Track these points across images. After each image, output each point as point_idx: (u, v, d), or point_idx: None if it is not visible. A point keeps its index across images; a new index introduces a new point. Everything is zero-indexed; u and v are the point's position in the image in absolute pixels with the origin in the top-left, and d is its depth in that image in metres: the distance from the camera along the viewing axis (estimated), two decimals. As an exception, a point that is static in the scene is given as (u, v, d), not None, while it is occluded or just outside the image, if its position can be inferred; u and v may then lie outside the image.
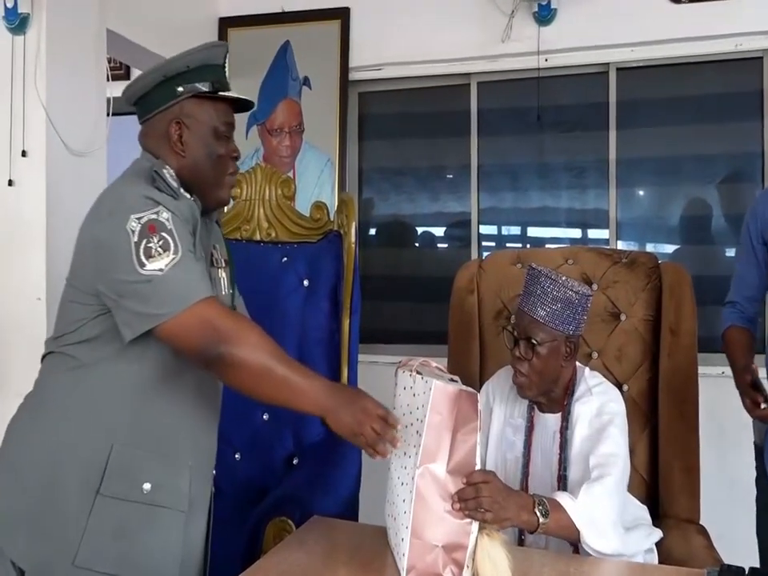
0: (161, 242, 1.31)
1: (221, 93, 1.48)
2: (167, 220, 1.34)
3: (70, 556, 1.35)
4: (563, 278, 1.67)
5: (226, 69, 1.53)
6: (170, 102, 1.46)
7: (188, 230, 1.38)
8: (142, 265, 1.30)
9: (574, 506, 1.48)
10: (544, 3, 3.21)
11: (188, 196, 1.45)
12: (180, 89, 1.46)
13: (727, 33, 3.07)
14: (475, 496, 1.36)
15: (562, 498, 1.49)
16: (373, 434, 1.32)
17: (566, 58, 3.30)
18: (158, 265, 1.30)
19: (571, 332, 1.69)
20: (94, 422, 1.40)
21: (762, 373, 1.81)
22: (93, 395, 1.41)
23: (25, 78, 2.51)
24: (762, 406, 1.70)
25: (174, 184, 1.42)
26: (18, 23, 2.50)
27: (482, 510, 1.36)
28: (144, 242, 1.31)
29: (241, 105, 1.56)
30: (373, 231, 3.78)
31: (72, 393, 1.42)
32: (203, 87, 1.46)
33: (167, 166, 1.45)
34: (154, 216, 1.33)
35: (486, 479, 1.38)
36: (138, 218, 1.32)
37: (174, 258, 1.31)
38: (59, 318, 1.49)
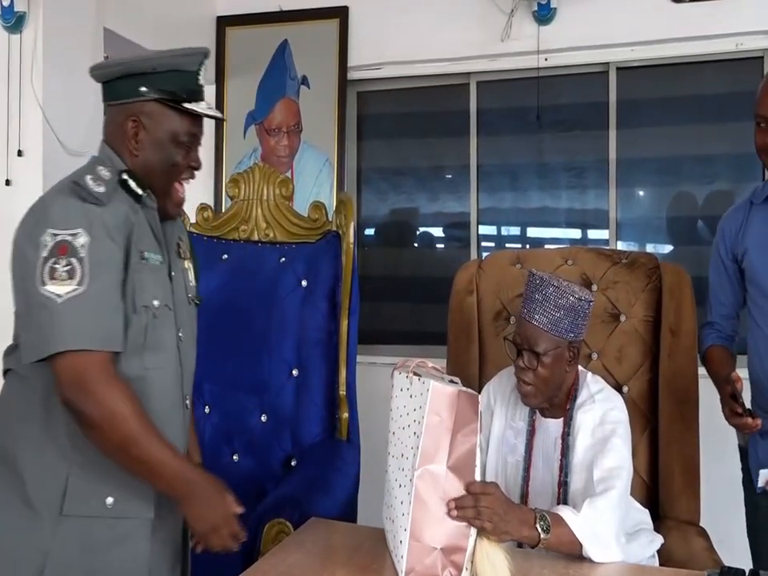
0: (67, 267, 1.28)
1: (184, 105, 1.44)
2: (82, 246, 1.30)
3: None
4: (565, 284, 1.64)
5: (200, 76, 1.47)
6: (132, 99, 1.44)
7: (114, 247, 1.34)
8: (43, 284, 1.28)
9: (576, 520, 1.46)
10: (544, 2, 3.21)
11: (131, 192, 1.42)
12: (143, 89, 1.43)
13: (728, 32, 3.06)
14: (474, 505, 1.34)
15: (565, 513, 1.47)
16: (228, 537, 1.40)
17: (565, 57, 3.29)
18: (57, 290, 1.27)
19: (573, 338, 1.67)
20: (53, 444, 1.38)
21: (743, 373, 1.84)
22: (49, 419, 1.38)
23: (21, 77, 2.51)
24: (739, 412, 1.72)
25: (99, 189, 1.37)
26: (15, 22, 2.49)
27: (481, 519, 1.34)
28: (51, 260, 1.29)
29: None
30: (371, 231, 3.77)
31: (29, 417, 1.39)
32: (167, 93, 1.43)
33: (101, 167, 1.42)
34: (70, 238, 1.30)
35: (486, 490, 1.36)
36: (54, 234, 1.30)
37: (75, 290, 1.28)
38: (14, 332, 1.47)
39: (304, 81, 3.59)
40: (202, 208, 2.64)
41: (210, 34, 3.69)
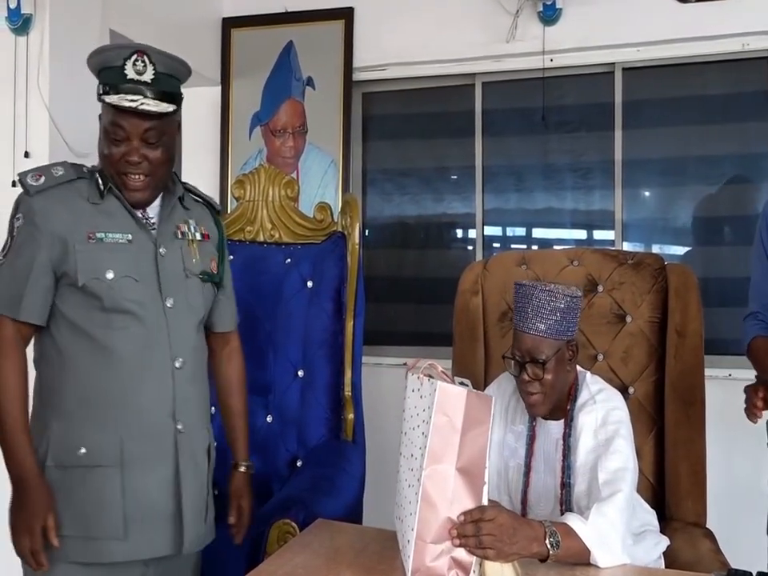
0: (5, 244, 1.58)
1: (104, 98, 1.55)
2: (17, 228, 1.57)
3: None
4: (552, 287, 1.64)
5: (128, 69, 1.54)
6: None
7: (35, 230, 1.54)
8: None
9: (585, 528, 1.45)
10: (549, 3, 3.20)
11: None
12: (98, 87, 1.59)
13: (734, 32, 3.05)
14: (475, 534, 1.32)
15: (573, 522, 1.46)
16: (25, 549, 1.48)
17: (571, 57, 3.29)
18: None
19: (570, 336, 1.67)
20: (39, 403, 1.59)
21: None
22: (37, 381, 1.61)
23: (28, 79, 2.51)
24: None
25: (36, 183, 1.56)
26: (21, 24, 2.50)
27: (483, 548, 1.33)
28: (11, 238, 1.57)
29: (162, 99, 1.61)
30: (377, 232, 3.77)
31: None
32: (100, 89, 1.57)
33: (58, 167, 1.61)
34: (14, 222, 1.58)
35: (486, 516, 1.33)
36: (12, 219, 1.59)
37: (2, 261, 1.56)
38: None
39: (309, 82, 3.59)
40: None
41: (216, 36, 3.69)
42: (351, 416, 2.36)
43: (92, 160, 2.66)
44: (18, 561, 1.56)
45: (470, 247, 3.58)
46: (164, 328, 1.60)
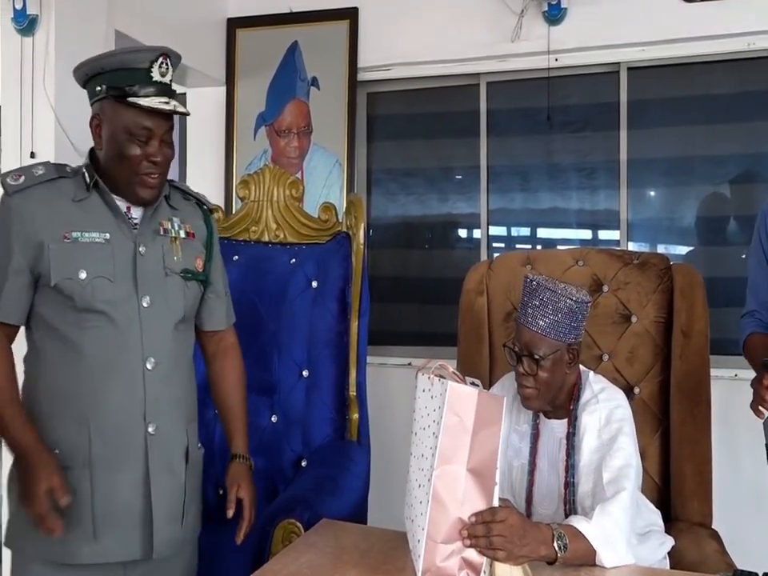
0: None
1: (130, 99, 1.54)
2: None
3: (14, 525, 1.60)
4: (561, 287, 1.64)
5: (156, 72, 1.56)
6: (94, 99, 1.59)
7: (22, 230, 1.54)
8: None
9: (590, 528, 1.45)
10: (554, 2, 3.19)
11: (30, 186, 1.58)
12: (98, 88, 1.57)
13: (739, 32, 3.04)
14: (485, 534, 1.32)
15: (580, 524, 1.46)
16: (36, 513, 1.46)
17: (576, 57, 3.28)
18: None
19: (572, 340, 1.66)
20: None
21: None
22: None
23: (34, 80, 2.52)
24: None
25: (14, 183, 1.56)
26: (27, 24, 2.51)
27: (493, 549, 1.33)
28: None
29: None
30: (381, 232, 3.77)
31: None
32: (116, 90, 1.54)
33: (39, 166, 1.61)
34: None
35: (497, 518, 1.34)
36: None
37: None
38: None
39: (314, 82, 3.60)
40: (212, 209, 2.64)
41: (221, 36, 3.70)
42: (356, 416, 2.37)
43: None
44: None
45: (475, 247, 3.58)
46: (137, 328, 1.60)
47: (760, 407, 1.69)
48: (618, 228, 3.35)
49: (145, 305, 1.60)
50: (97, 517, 1.55)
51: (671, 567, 1.72)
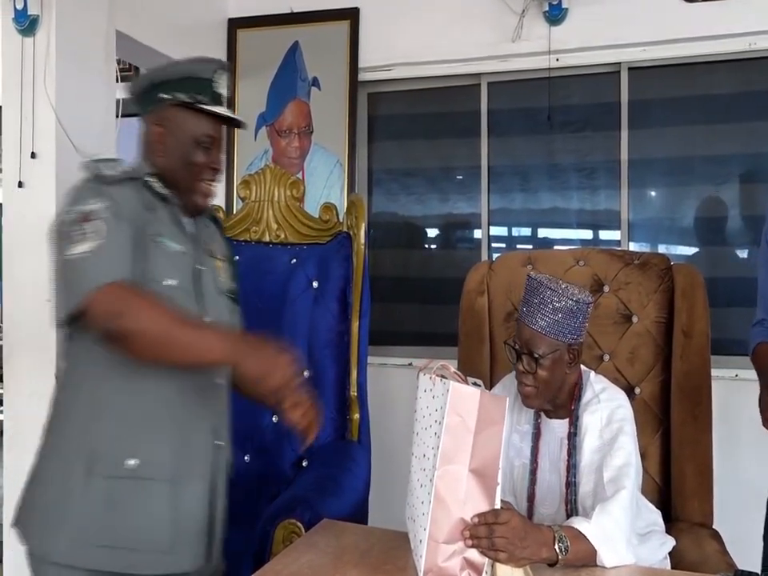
0: (90, 230, 1.41)
1: (200, 106, 1.56)
2: (97, 212, 1.43)
3: (71, 536, 1.46)
4: (563, 286, 1.63)
5: (216, 83, 1.59)
6: (155, 107, 1.58)
7: (125, 220, 1.46)
8: (68, 251, 1.41)
9: (590, 528, 1.45)
10: (555, 2, 3.20)
11: (133, 179, 1.54)
12: (162, 95, 1.56)
13: (740, 32, 3.05)
14: (488, 536, 1.32)
15: (581, 525, 1.46)
16: (281, 380, 1.40)
17: (577, 57, 3.28)
18: (80, 249, 1.40)
19: (572, 341, 1.66)
20: (83, 411, 1.50)
21: None
22: (78, 391, 1.52)
23: (34, 80, 2.52)
24: None
25: (111, 173, 1.51)
26: (28, 25, 2.51)
27: (495, 551, 1.33)
28: (72, 230, 1.42)
29: (235, 120, 1.66)
30: (382, 232, 3.77)
31: (65, 390, 1.55)
32: (184, 98, 1.55)
33: (109, 157, 1.57)
34: (88, 207, 1.44)
35: (500, 519, 1.33)
36: (73, 210, 1.44)
37: (99, 243, 1.40)
38: None
39: (315, 82, 3.60)
40: (214, 210, 2.65)
41: (222, 36, 3.70)
42: (357, 416, 2.37)
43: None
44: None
45: (476, 247, 3.58)
46: None
47: None
48: (618, 228, 3.35)
49: (207, 321, 1.57)
50: (173, 529, 1.52)
51: (672, 567, 1.72)
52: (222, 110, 1.59)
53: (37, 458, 1.58)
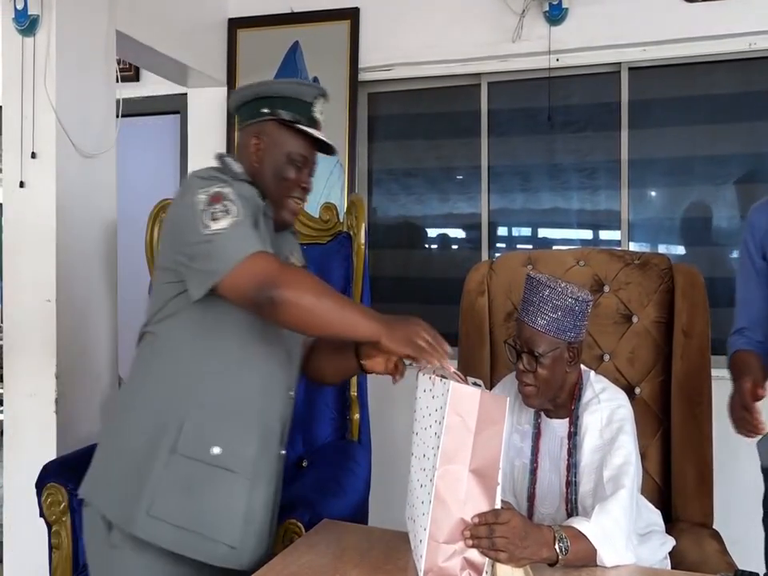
0: (224, 208, 1.46)
1: (299, 126, 1.63)
2: (230, 192, 1.49)
3: (147, 507, 1.47)
4: (563, 285, 1.64)
5: (316, 108, 1.67)
6: (256, 119, 1.65)
7: (250, 207, 1.51)
8: (207, 227, 1.44)
9: (591, 528, 1.46)
10: (555, 2, 3.20)
11: (250, 183, 1.60)
12: (265, 110, 1.63)
13: (740, 32, 3.05)
14: (488, 536, 1.32)
15: (581, 525, 1.46)
16: (426, 341, 1.42)
17: (577, 57, 3.29)
18: (220, 225, 1.44)
19: (572, 339, 1.66)
20: (176, 388, 1.54)
21: None
22: (173, 366, 1.55)
23: (35, 80, 2.52)
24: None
25: (237, 170, 1.60)
26: (28, 25, 2.51)
27: (496, 551, 1.33)
28: (209, 208, 1.46)
29: (324, 147, 1.70)
30: (382, 232, 3.77)
31: (158, 364, 1.57)
32: (285, 116, 1.62)
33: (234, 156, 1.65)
34: (218, 189, 1.49)
35: (500, 519, 1.34)
36: (205, 191, 1.48)
37: (236, 219, 1.45)
38: (149, 304, 1.64)
39: (315, 82, 3.60)
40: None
41: (222, 36, 3.70)
42: (357, 416, 2.37)
43: (98, 161, 2.70)
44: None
45: (476, 247, 3.58)
46: (292, 357, 1.66)
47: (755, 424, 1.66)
48: (618, 228, 3.35)
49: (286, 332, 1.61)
50: (244, 525, 1.55)
51: (672, 567, 1.72)
52: (318, 134, 1.65)
53: (113, 427, 1.62)
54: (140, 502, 1.48)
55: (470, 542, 1.32)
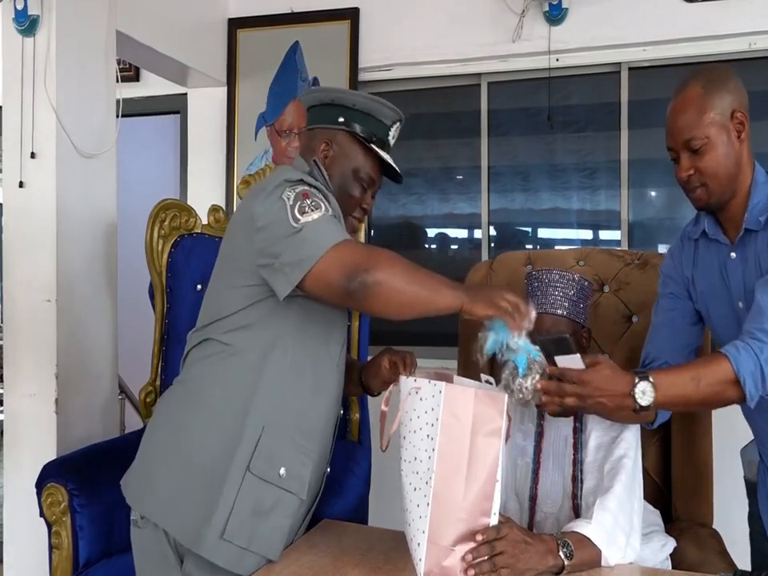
0: (313, 203, 1.45)
1: (372, 145, 1.60)
2: (315, 190, 1.50)
3: (219, 529, 1.45)
4: (565, 271, 1.71)
5: (391, 132, 1.64)
6: (328, 125, 1.62)
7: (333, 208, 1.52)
8: (297, 220, 1.43)
9: (593, 529, 1.46)
10: (555, 2, 3.20)
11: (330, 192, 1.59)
12: (341, 119, 1.61)
13: (740, 32, 3.05)
14: (489, 554, 1.32)
15: (582, 528, 1.46)
16: (510, 302, 1.39)
17: (577, 57, 3.29)
18: (310, 218, 1.43)
19: (584, 321, 1.72)
20: (249, 405, 1.50)
21: None
22: (248, 381, 1.51)
23: (35, 80, 2.52)
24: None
25: (308, 177, 1.55)
26: (28, 25, 2.51)
27: (497, 571, 1.33)
28: (298, 203, 1.45)
29: (390, 172, 1.68)
30: (382, 232, 3.77)
31: (229, 379, 1.53)
32: (360, 131, 1.60)
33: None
34: (307, 187, 1.49)
35: (500, 535, 1.34)
36: (293, 188, 1.48)
37: (324, 213, 1.45)
38: (209, 307, 1.61)
39: (315, 82, 3.59)
40: (214, 209, 2.65)
41: (222, 36, 3.70)
42: (357, 416, 2.36)
43: (98, 161, 2.70)
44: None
45: (476, 247, 3.58)
46: (339, 374, 1.66)
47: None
48: (618, 228, 3.35)
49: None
50: (286, 541, 1.56)
51: (672, 567, 1.72)
52: (389, 159, 1.63)
53: (172, 437, 1.55)
54: (210, 523, 1.45)
55: (472, 572, 1.32)
